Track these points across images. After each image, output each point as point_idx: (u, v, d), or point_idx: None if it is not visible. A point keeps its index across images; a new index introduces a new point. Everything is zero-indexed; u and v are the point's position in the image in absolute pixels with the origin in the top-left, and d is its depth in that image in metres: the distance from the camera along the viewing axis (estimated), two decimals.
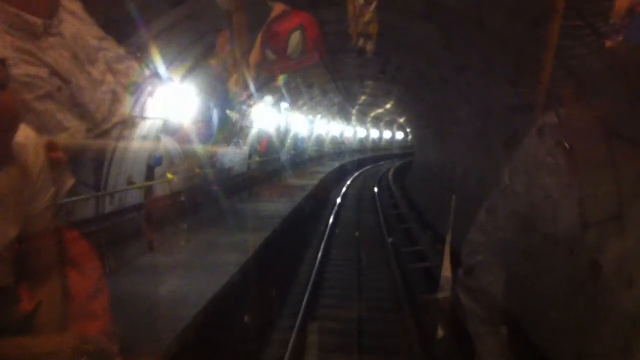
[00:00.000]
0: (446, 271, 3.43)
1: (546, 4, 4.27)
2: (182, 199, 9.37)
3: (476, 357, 2.81)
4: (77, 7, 4.08)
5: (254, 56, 5.88)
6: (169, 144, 8.26)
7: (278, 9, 5.56)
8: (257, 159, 15.42)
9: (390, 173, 31.58)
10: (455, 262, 3.89)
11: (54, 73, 3.86)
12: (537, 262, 2.58)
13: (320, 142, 28.80)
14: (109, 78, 4.52)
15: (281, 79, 10.39)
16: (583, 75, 2.39)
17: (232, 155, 12.92)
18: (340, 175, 29.68)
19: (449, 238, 3.91)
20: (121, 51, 4.70)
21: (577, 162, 2.30)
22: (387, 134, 50.51)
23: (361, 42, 5.14)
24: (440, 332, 4.65)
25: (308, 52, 5.75)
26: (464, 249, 2.82)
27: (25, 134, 1.86)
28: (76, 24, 4.06)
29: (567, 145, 2.31)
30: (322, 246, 12.42)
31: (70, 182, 2.10)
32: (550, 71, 3.50)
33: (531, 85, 5.69)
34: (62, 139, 3.99)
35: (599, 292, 2.34)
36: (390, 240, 13.27)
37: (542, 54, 3.87)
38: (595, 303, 2.35)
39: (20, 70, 3.62)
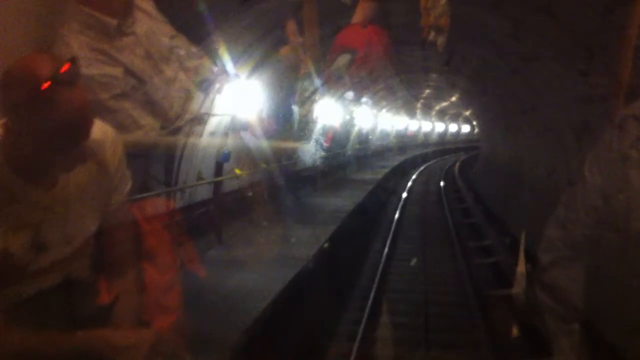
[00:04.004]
0: (520, 266, 3.35)
1: None
2: (249, 193, 9.47)
3: (551, 354, 2.75)
4: (150, 6, 4.17)
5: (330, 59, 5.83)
6: (242, 139, 8.35)
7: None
8: (322, 153, 15.46)
9: (456, 167, 31.12)
10: (526, 257, 3.81)
11: (129, 72, 3.97)
12: (609, 256, 2.51)
13: (384, 136, 28.63)
14: (182, 76, 4.60)
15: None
16: None
17: (314, 150, 13.16)
18: (405, 169, 29.44)
19: (523, 233, 3.82)
20: (192, 48, 4.77)
21: None
22: (452, 127, 49.75)
23: (432, 35, 5.05)
24: (514, 329, 4.56)
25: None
26: (541, 243, 2.75)
27: (103, 130, 1.92)
28: (149, 23, 4.15)
29: None
30: (388, 241, 12.33)
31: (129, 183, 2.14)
32: (630, 60, 3.36)
33: (605, 75, 5.51)
34: (137, 136, 4.11)
35: None
36: (455, 234, 13.14)
37: (617, 43, 3.73)
38: None
39: (95, 69, 3.73)
